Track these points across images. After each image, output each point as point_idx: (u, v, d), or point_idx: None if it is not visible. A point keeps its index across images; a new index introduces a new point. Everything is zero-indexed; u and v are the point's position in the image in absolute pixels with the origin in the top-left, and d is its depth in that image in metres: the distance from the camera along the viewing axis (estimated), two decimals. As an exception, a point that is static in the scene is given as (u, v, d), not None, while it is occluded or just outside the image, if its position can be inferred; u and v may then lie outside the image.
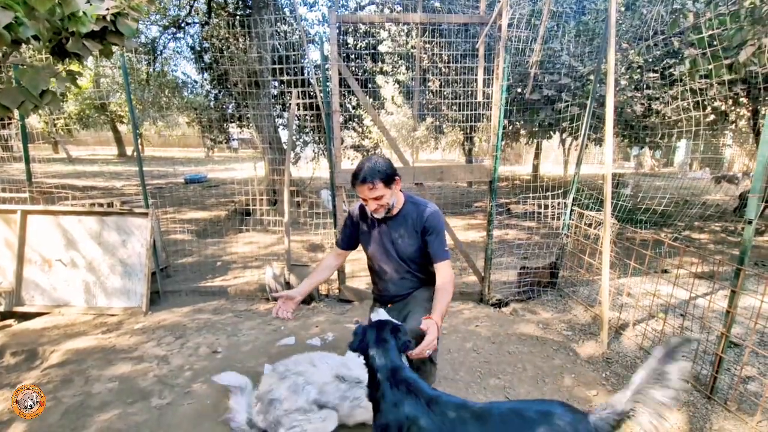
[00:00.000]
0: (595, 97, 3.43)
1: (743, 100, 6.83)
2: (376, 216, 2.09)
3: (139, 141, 3.76)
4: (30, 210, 3.60)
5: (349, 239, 2.32)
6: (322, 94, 3.27)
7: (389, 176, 1.98)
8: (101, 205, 4.00)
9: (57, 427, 2.10)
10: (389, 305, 2.27)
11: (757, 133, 7.39)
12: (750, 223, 2.11)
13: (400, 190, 2.14)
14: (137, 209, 3.69)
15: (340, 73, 3.24)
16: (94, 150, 24.61)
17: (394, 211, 2.11)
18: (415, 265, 2.16)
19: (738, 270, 2.17)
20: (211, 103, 9.62)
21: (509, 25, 3.22)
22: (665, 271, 4.17)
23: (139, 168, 3.72)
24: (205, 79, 9.29)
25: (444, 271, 2.05)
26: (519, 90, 6.09)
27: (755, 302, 2.14)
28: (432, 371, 2.14)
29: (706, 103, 6.59)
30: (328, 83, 3.37)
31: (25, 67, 1.72)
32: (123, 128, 24.06)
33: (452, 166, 3.58)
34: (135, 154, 3.41)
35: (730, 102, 5.83)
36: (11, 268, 3.53)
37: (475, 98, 3.49)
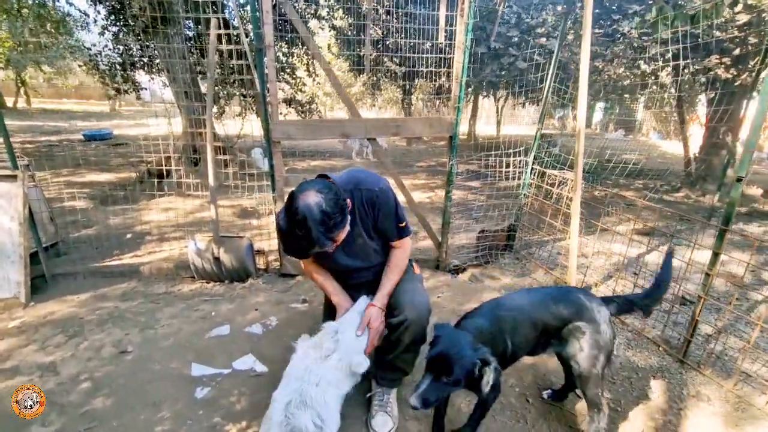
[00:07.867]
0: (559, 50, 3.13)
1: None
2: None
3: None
4: None
5: None
6: (251, 26, 2.59)
7: (343, 214, 1.43)
8: (-52, 165, 2.99)
9: None
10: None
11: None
12: (740, 180, 1.96)
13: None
14: (2, 171, 2.79)
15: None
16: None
17: None
18: (384, 243, 1.81)
19: (722, 231, 2.04)
20: (109, 44, 7.97)
21: (476, -49, 2.73)
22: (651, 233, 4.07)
23: (-2, 117, 2.76)
24: (98, 12, 7.58)
25: (399, 248, 1.79)
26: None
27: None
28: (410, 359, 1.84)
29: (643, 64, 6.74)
30: (257, 11, 2.66)
31: None
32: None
33: (409, 120, 3.15)
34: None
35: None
36: None
37: (436, 39, 3.02)
